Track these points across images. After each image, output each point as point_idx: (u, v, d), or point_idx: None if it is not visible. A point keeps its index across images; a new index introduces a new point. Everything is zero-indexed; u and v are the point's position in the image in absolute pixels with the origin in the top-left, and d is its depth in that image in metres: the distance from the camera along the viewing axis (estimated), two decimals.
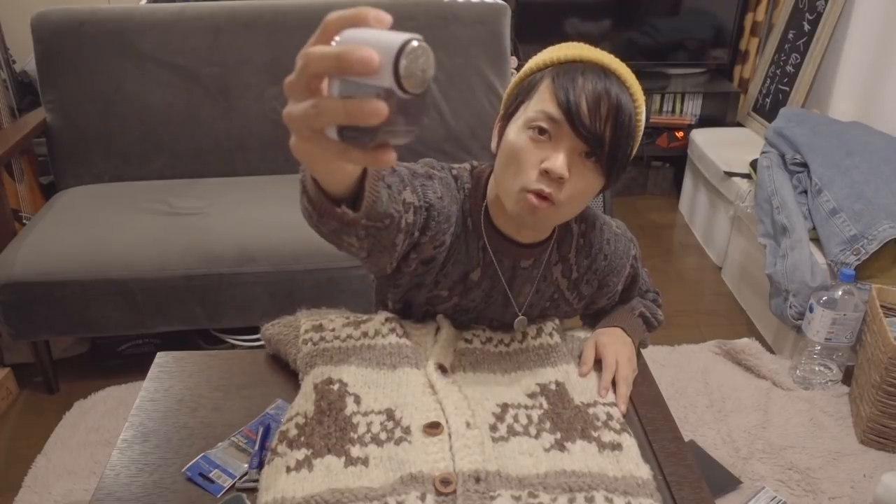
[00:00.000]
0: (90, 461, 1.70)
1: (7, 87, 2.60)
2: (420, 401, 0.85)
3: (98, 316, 1.82)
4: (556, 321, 1.02)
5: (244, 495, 0.77)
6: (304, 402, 0.84)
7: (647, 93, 2.98)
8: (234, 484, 0.80)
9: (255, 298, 1.85)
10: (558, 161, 0.80)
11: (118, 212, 1.96)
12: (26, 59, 2.59)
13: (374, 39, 0.43)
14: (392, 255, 0.83)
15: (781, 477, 1.67)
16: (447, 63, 2.22)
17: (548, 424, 0.84)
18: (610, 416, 0.86)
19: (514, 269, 0.97)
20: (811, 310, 1.91)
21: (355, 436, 0.80)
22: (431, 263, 0.93)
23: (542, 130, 0.82)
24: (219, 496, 0.78)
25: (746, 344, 2.13)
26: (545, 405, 0.87)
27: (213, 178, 2.21)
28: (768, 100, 2.87)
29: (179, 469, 0.81)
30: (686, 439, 1.46)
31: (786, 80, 2.77)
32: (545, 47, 0.89)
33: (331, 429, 0.80)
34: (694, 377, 2.01)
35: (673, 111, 3.14)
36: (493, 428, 0.83)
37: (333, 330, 0.95)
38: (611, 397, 0.91)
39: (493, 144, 0.91)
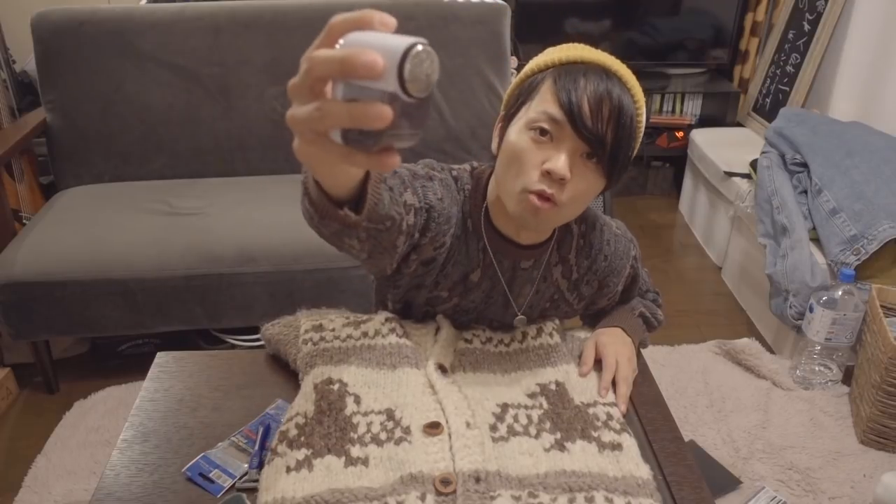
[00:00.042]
0: (90, 461, 1.70)
1: (7, 87, 2.60)
2: (420, 401, 0.85)
3: (98, 316, 1.82)
4: (556, 321, 1.02)
5: (244, 495, 0.77)
6: (304, 402, 0.84)
7: (647, 93, 2.98)
8: (234, 484, 0.80)
9: (255, 298, 1.85)
10: (560, 162, 0.80)
11: (118, 212, 1.96)
12: (26, 59, 2.59)
13: (379, 43, 0.43)
14: (392, 256, 0.83)
15: (781, 477, 1.67)
16: (447, 63, 2.22)
17: (548, 424, 0.84)
18: (610, 416, 0.86)
19: (514, 270, 0.97)
20: (811, 310, 1.91)
21: (355, 436, 0.80)
22: (431, 264, 0.93)
23: (543, 131, 0.82)
24: (219, 496, 0.78)
25: (746, 344, 2.13)
26: (545, 405, 0.87)
27: (213, 178, 2.21)
28: (768, 100, 2.87)
29: (179, 469, 0.81)
30: (686, 439, 1.46)
31: (786, 80, 2.77)
32: (545, 47, 0.89)
33: (331, 429, 0.80)
34: (694, 377, 2.01)
35: (673, 111, 3.14)
36: (493, 428, 0.83)
37: (333, 330, 0.95)
38: (611, 397, 0.91)
39: (494, 145, 0.91)
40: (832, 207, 1.96)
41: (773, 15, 2.96)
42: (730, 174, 2.49)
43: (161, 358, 1.01)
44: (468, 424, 0.81)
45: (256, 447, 0.84)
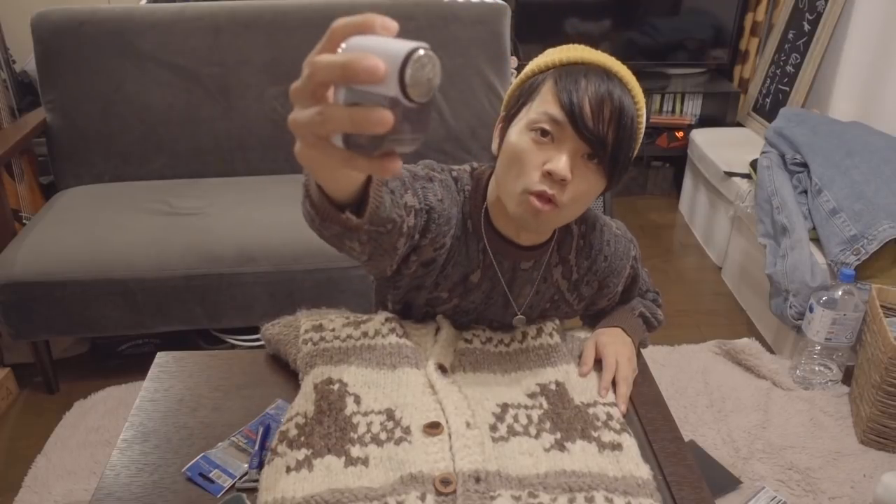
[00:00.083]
0: (90, 461, 1.70)
1: (7, 87, 2.60)
2: (420, 401, 0.85)
3: (98, 316, 1.82)
4: (556, 321, 1.02)
5: (244, 495, 0.77)
6: (304, 402, 0.84)
7: (647, 93, 2.98)
8: (234, 484, 0.80)
9: (255, 298, 1.85)
10: (561, 163, 0.80)
11: (118, 212, 1.96)
12: (26, 59, 2.59)
13: (381, 47, 0.43)
14: (392, 258, 0.83)
15: (781, 477, 1.67)
16: (447, 63, 2.22)
17: (548, 424, 0.84)
18: (610, 416, 0.87)
19: (514, 271, 0.97)
20: (811, 310, 1.91)
21: (355, 436, 0.80)
22: (431, 265, 0.93)
23: (544, 132, 0.82)
24: (219, 496, 0.78)
25: (746, 344, 2.13)
26: (545, 405, 0.87)
27: (213, 178, 2.21)
28: (768, 100, 2.87)
29: (179, 469, 0.81)
30: (686, 439, 1.46)
31: (786, 80, 2.77)
32: (545, 47, 0.89)
33: (331, 429, 0.80)
34: (694, 377, 2.01)
35: (673, 111, 3.14)
36: (493, 428, 0.83)
37: (333, 330, 0.95)
38: (611, 397, 0.91)
39: (494, 146, 0.91)
40: (832, 207, 1.96)
41: (773, 15, 2.96)
42: (730, 174, 2.49)
43: (161, 358, 1.01)
44: (468, 424, 0.81)
45: (256, 447, 0.84)
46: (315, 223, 0.68)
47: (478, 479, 0.74)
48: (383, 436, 0.80)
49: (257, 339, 1.97)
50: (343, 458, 0.77)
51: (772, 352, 2.15)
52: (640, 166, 3.21)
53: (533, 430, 0.83)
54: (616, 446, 0.82)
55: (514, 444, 0.81)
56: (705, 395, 1.94)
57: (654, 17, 3.05)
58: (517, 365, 0.95)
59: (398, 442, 0.79)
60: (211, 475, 0.80)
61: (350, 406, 0.83)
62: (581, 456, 0.80)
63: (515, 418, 0.85)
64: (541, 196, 0.82)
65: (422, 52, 0.43)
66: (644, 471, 0.79)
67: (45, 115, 2.15)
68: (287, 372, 0.96)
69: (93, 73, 2.12)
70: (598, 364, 0.95)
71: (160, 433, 0.87)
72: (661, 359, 2.09)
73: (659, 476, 0.82)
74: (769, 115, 2.79)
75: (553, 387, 0.90)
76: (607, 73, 0.82)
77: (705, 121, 3.11)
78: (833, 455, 1.74)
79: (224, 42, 2.15)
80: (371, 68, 0.41)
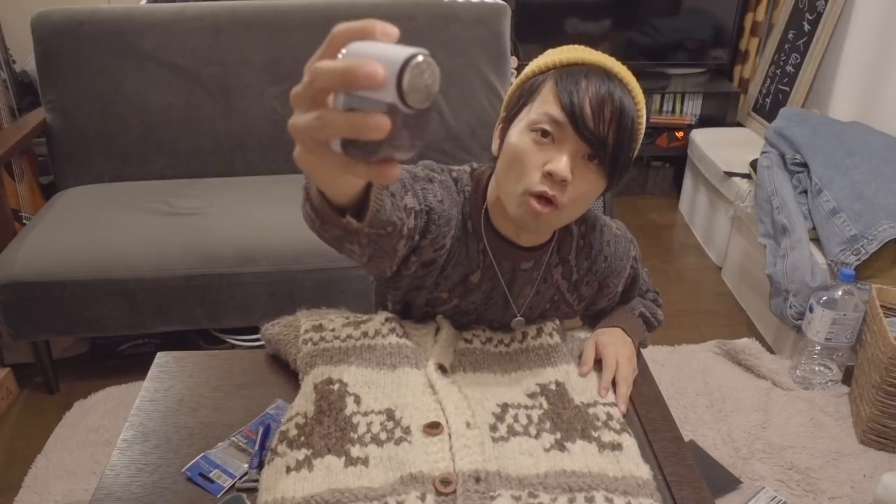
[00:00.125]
0: (90, 461, 1.70)
1: (7, 87, 2.60)
2: (420, 401, 0.85)
3: (98, 316, 1.82)
4: (556, 321, 1.02)
5: (244, 495, 0.77)
6: (304, 402, 0.84)
7: (647, 93, 2.98)
8: (234, 484, 0.80)
9: (255, 298, 1.85)
10: (561, 163, 0.80)
11: (118, 212, 1.96)
12: (26, 59, 2.59)
13: (380, 53, 0.43)
14: (393, 259, 0.83)
15: (781, 477, 1.67)
16: (447, 63, 2.22)
17: (548, 424, 0.84)
18: (610, 416, 0.87)
19: (514, 272, 0.97)
20: (811, 310, 1.91)
21: (355, 436, 0.80)
22: (431, 266, 0.93)
23: (545, 133, 0.82)
24: (219, 496, 0.78)
25: (746, 344, 2.13)
26: (545, 405, 0.87)
27: (213, 178, 2.21)
28: (768, 100, 2.87)
29: (179, 469, 0.81)
30: (686, 439, 1.46)
31: (786, 80, 2.77)
32: (545, 47, 0.89)
33: (331, 429, 0.80)
34: (694, 377, 2.01)
35: (673, 111, 3.14)
36: (493, 428, 0.83)
37: (333, 330, 0.95)
38: (611, 397, 0.91)
39: (494, 147, 0.91)
40: (832, 207, 1.96)
41: (773, 15, 2.96)
42: (730, 174, 2.49)
43: (161, 358, 1.01)
44: (468, 424, 0.81)
45: (256, 447, 0.84)
46: (315, 226, 0.68)
47: (478, 479, 0.74)
48: (383, 436, 0.80)
49: (257, 339, 1.97)
50: (343, 458, 0.77)
51: (772, 352, 2.15)
52: (640, 166, 3.21)
53: (533, 430, 0.83)
54: (616, 446, 0.82)
55: (514, 444, 0.81)
56: (705, 395, 1.94)
57: (654, 17, 3.05)
58: (517, 365, 0.95)
59: (398, 442, 0.79)
60: (211, 475, 0.80)
61: (350, 406, 0.83)
62: (581, 456, 0.80)
63: (515, 418, 0.85)
64: (541, 197, 0.82)
65: (420, 58, 0.43)
66: (644, 471, 0.79)
67: (45, 115, 2.15)
68: (287, 372, 0.96)
69: (93, 73, 2.12)
70: (599, 364, 0.95)
71: (160, 433, 0.87)
72: (661, 359, 2.09)
73: (659, 476, 0.82)
74: (769, 115, 2.79)
75: (553, 387, 0.90)
76: (608, 74, 0.82)
77: (705, 121, 3.11)
78: (833, 455, 1.74)
79: (224, 42, 2.15)
80: (370, 74, 0.42)
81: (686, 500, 0.79)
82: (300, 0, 2.18)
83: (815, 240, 2.01)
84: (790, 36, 2.78)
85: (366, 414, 0.83)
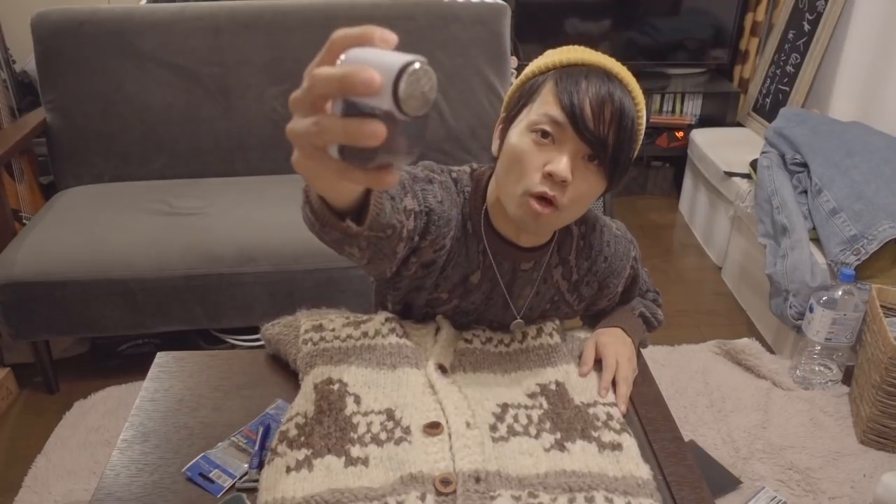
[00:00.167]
0: (90, 461, 1.70)
1: (7, 87, 2.60)
2: (420, 401, 0.85)
3: (98, 316, 1.82)
4: (556, 321, 1.02)
5: (244, 495, 0.77)
6: (304, 402, 0.84)
7: (647, 93, 2.98)
8: (234, 484, 0.80)
9: (255, 298, 1.85)
10: (561, 164, 0.80)
11: (118, 212, 1.96)
12: (26, 59, 2.59)
13: (378, 60, 0.43)
14: (392, 261, 0.83)
15: (781, 477, 1.67)
16: (447, 63, 2.22)
17: (548, 424, 0.84)
18: (610, 416, 0.87)
19: (514, 272, 0.97)
20: (811, 310, 1.91)
21: (355, 436, 0.80)
22: (431, 267, 0.93)
23: (545, 134, 0.82)
24: (219, 496, 0.78)
25: (746, 344, 2.13)
26: (545, 405, 0.87)
27: (213, 178, 2.21)
28: (768, 100, 2.87)
29: (179, 469, 0.81)
30: (686, 439, 1.46)
31: (786, 80, 2.77)
32: (545, 47, 0.89)
33: (331, 429, 0.80)
34: (694, 377, 2.01)
35: (673, 111, 3.14)
36: (493, 428, 0.83)
37: (333, 330, 0.95)
38: (611, 397, 0.91)
39: (494, 147, 0.91)
40: (832, 207, 1.96)
41: (773, 15, 2.96)
42: (730, 174, 2.49)
43: (161, 358, 1.01)
44: (468, 424, 0.81)
45: (256, 447, 0.84)
46: (315, 228, 0.69)
47: (478, 479, 0.74)
48: (383, 436, 0.80)
49: (257, 339, 1.97)
50: (343, 458, 0.77)
51: (772, 352, 2.15)
52: (640, 166, 3.21)
53: (533, 430, 0.83)
54: (616, 446, 0.82)
55: (514, 444, 0.81)
56: (705, 395, 1.94)
57: (654, 17, 3.05)
58: (517, 365, 0.95)
59: (398, 442, 0.79)
60: (211, 475, 0.80)
61: (350, 406, 0.83)
62: (581, 456, 0.80)
63: (515, 418, 0.85)
64: (541, 198, 0.82)
65: (417, 65, 0.43)
66: (644, 471, 0.79)
67: (45, 115, 2.15)
68: (287, 372, 0.96)
69: (93, 73, 2.12)
70: (599, 364, 0.95)
71: (160, 433, 0.87)
72: (661, 359, 2.09)
73: (659, 476, 0.82)
74: (769, 115, 2.79)
75: (553, 387, 0.90)
76: (608, 75, 0.82)
77: (705, 121, 3.11)
78: (833, 455, 1.74)
79: (224, 42, 2.15)
80: (367, 81, 0.42)
81: (686, 500, 0.79)
82: (300, 0, 2.18)
83: (815, 240, 2.01)
84: (790, 36, 2.78)
85: (366, 414, 0.83)
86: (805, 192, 2.12)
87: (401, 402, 0.84)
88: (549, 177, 0.81)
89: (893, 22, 2.30)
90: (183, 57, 2.15)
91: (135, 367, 1.91)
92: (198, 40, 2.15)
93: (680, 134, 3.07)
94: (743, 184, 2.42)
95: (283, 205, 1.95)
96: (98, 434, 1.79)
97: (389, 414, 0.83)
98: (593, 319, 1.09)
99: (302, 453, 0.77)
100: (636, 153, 0.86)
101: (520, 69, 0.91)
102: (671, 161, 3.22)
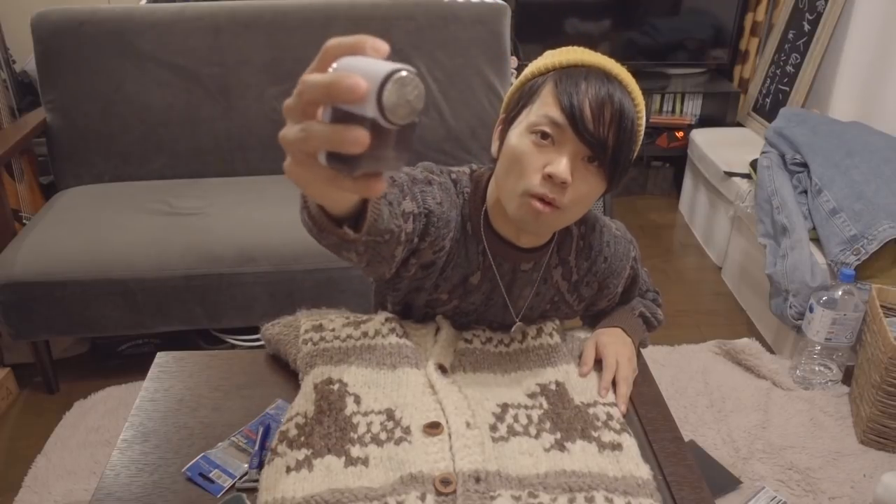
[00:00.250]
0: (90, 461, 1.70)
1: (7, 87, 2.60)
2: (420, 401, 0.85)
3: (98, 316, 1.82)
4: (556, 321, 1.02)
5: (244, 495, 0.77)
6: (304, 402, 0.84)
7: (647, 93, 2.98)
8: (234, 484, 0.80)
9: (255, 298, 1.85)
10: (561, 165, 0.80)
11: (118, 212, 1.96)
12: (26, 59, 2.59)
13: (366, 68, 0.44)
14: (391, 264, 0.83)
15: (781, 477, 1.67)
16: (447, 63, 2.22)
17: (548, 424, 0.84)
18: (610, 416, 0.87)
19: (513, 273, 0.97)
20: (811, 310, 1.91)
21: (355, 436, 0.80)
22: (431, 268, 0.93)
23: (544, 135, 0.82)
24: (219, 496, 0.78)
25: (746, 344, 2.13)
26: (545, 405, 0.87)
27: (213, 178, 2.21)
28: (768, 100, 2.87)
29: (179, 469, 0.81)
30: (686, 439, 1.46)
31: (786, 80, 2.77)
32: (545, 47, 0.89)
33: (331, 429, 0.80)
34: (694, 377, 2.01)
35: (673, 111, 3.14)
36: (493, 428, 0.83)
37: (333, 330, 0.95)
38: (611, 397, 0.91)
39: (494, 148, 0.91)
40: (832, 207, 1.96)
41: (773, 15, 2.96)
42: (730, 174, 2.49)
43: (161, 358, 1.01)
44: (468, 424, 0.81)
45: (256, 447, 0.84)
46: (313, 233, 0.69)
47: (478, 479, 0.74)
48: (383, 436, 0.80)
49: (257, 339, 1.97)
50: (343, 458, 0.77)
51: (772, 352, 2.15)
52: (640, 166, 3.21)
53: (533, 430, 0.83)
54: (616, 446, 0.82)
55: (514, 444, 0.81)
56: (705, 395, 1.94)
57: (654, 17, 3.05)
58: (517, 365, 0.95)
59: (398, 442, 0.79)
60: (211, 475, 0.80)
61: (350, 406, 0.83)
62: (581, 456, 0.80)
63: (515, 418, 0.85)
64: (542, 199, 0.82)
65: (404, 73, 0.43)
66: (644, 471, 0.79)
67: (45, 115, 2.14)
68: (287, 372, 0.96)
69: (93, 73, 2.12)
70: (599, 364, 0.95)
71: (160, 433, 0.87)
72: (661, 359, 2.09)
73: (659, 476, 0.82)
74: (769, 115, 2.79)
75: (553, 387, 0.90)
76: (607, 76, 0.82)
77: (705, 121, 3.11)
78: (833, 455, 1.74)
79: (224, 42, 2.15)
80: (351, 87, 0.42)
81: (686, 500, 0.79)
82: (300, 0, 2.18)
83: (815, 240, 2.01)
84: (790, 36, 2.78)
85: (366, 414, 0.83)
86: (805, 192, 2.12)
87: (401, 402, 0.85)
88: (548, 178, 0.81)
89: (893, 22, 2.30)
90: (183, 57, 2.15)
91: (135, 367, 1.91)
92: (198, 40, 2.14)
93: (680, 134, 3.07)
94: (743, 184, 2.42)
95: (283, 205, 1.95)
96: (98, 434, 1.79)
97: (389, 414, 0.83)
98: (593, 319, 1.09)
99: (302, 453, 0.77)
100: (636, 154, 0.86)
101: (520, 69, 0.91)
102: (671, 161, 3.22)
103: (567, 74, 0.82)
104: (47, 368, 1.94)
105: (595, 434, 0.83)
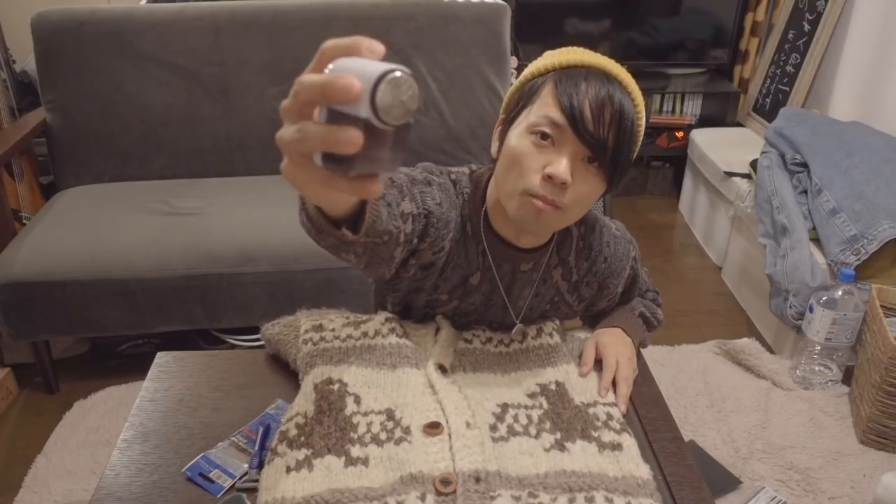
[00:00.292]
0: (90, 461, 1.70)
1: (7, 87, 2.60)
2: (420, 401, 0.85)
3: (98, 316, 1.82)
4: (556, 321, 1.02)
5: (244, 495, 0.77)
6: (304, 402, 0.84)
7: (647, 93, 2.99)
8: (234, 484, 0.80)
9: (255, 298, 1.85)
10: (561, 166, 0.80)
11: (118, 212, 1.96)
12: (26, 59, 2.59)
13: (361, 69, 0.44)
14: (390, 265, 0.83)
15: (781, 477, 1.67)
16: (447, 63, 2.22)
17: (548, 424, 0.84)
18: (610, 416, 0.87)
19: (513, 273, 0.97)
20: (811, 310, 1.91)
21: (355, 436, 0.80)
22: (430, 269, 0.93)
23: (544, 136, 0.82)
24: (219, 496, 0.78)
25: (746, 344, 2.13)
26: (545, 405, 0.87)
27: (213, 178, 2.21)
28: (768, 100, 2.87)
29: (179, 469, 0.81)
30: (686, 439, 1.46)
31: (786, 80, 2.77)
32: (545, 47, 0.89)
33: (331, 429, 0.80)
34: (694, 377, 2.01)
35: (673, 111, 3.14)
36: (493, 428, 0.83)
37: (333, 330, 0.95)
38: (611, 397, 0.91)
39: (494, 149, 0.91)
40: (832, 207, 1.96)
41: (773, 15, 2.96)
42: (730, 174, 2.49)
43: (161, 358, 1.01)
44: (468, 424, 0.81)
45: (256, 447, 0.84)
46: (312, 234, 0.69)
47: (478, 479, 0.74)
48: (383, 436, 0.80)
49: (257, 339, 1.97)
50: (343, 458, 0.77)
51: (772, 352, 2.15)
52: (640, 166, 3.21)
53: (533, 430, 0.83)
54: (616, 446, 0.82)
55: (514, 444, 0.81)
56: (705, 395, 1.94)
57: (654, 17, 3.05)
58: (517, 365, 0.95)
59: (398, 442, 0.79)
60: (211, 475, 0.80)
61: (350, 406, 0.83)
62: (581, 456, 0.80)
63: (515, 418, 0.85)
64: (542, 199, 0.82)
65: (398, 74, 0.43)
66: (644, 471, 0.79)
67: (45, 115, 2.14)
68: (287, 372, 0.96)
69: (93, 73, 2.12)
70: (599, 364, 0.96)
71: (160, 433, 0.87)
72: (661, 359, 2.09)
73: (659, 476, 0.82)
74: (769, 115, 2.79)
75: (553, 387, 0.90)
76: (607, 76, 0.82)
77: (705, 121, 3.11)
78: (833, 455, 1.74)
79: (224, 42, 2.15)
80: (345, 87, 0.42)
81: (686, 500, 0.79)
82: (300, 0, 2.18)
83: (815, 240, 2.01)
84: (790, 36, 2.78)
85: (366, 414, 0.83)
86: (805, 192, 2.12)
87: (401, 402, 0.85)
88: (548, 179, 0.81)
89: (893, 22, 2.30)
90: (183, 57, 2.15)
91: (135, 367, 1.91)
92: (198, 40, 2.14)
93: (680, 134, 3.07)
94: (743, 184, 2.42)
95: (283, 205, 1.95)
96: (98, 434, 1.79)
97: (389, 414, 0.83)
98: (593, 319, 1.09)
99: (302, 453, 0.77)
100: (636, 154, 0.86)
101: (520, 69, 0.91)
102: (671, 161, 3.22)
103: (567, 75, 0.82)
104: (47, 368, 1.94)
105: (595, 434, 0.83)
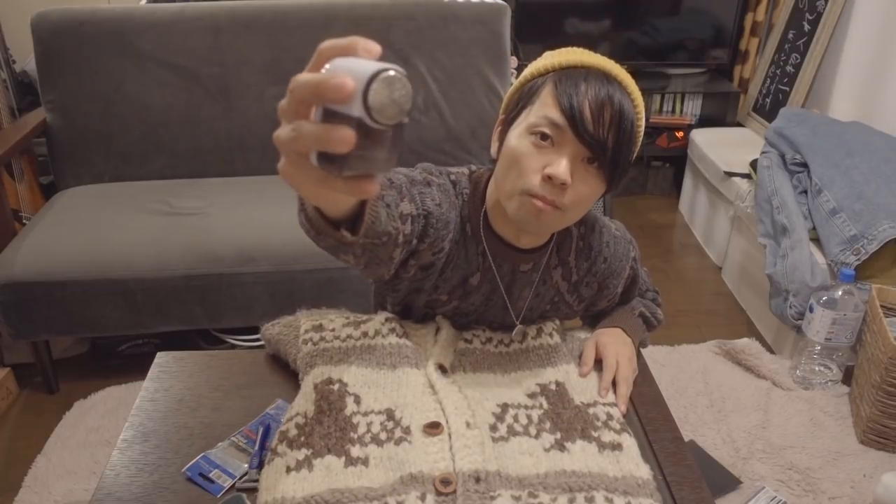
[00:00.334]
0: (90, 461, 1.70)
1: (7, 87, 2.60)
2: (420, 401, 0.85)
3: (98, 316, 1.82)
4: (557, 321, 1.02)
5: (244, 495, 0.77)
6: (304, 402, 0.84)
7: (647, 93, 2.99)
8: (234, 484, 0.80)
9: (255, 298, 1.85)
10: (561, 167, 0.80)
11: (118, 212, 1.96)
12: (26, 59, 2.59)
13: (356, 69, 0.44)
14: (389, 266, 0.83)
15: (781, 477, 1.67)
16: (447, 63, 2.22)
17: (548, 424, 0.84)
18: (610, 416, 0.87)
19: (513, 274, 0.97)
20: (811, 310, 1.91)
21: (355, 436, 0.80)
22: (430, 269, 0.93)
23: (544, 136, 0.82)
24: (219, 496, 0.78)
25: (746, 344, 2.13)
26: (545, 405, 0.87)
27: (213, 178, 2.21)
28: (768, 100, 2.87)
29: (179, 469, 0.81)
30: (686, 439, 1.46)
31: (786, 80, 2.77)
32: (545, 47, 0.89)
33: (331, 429, 0.80)
34: (694, 377, 2.01)
35: (673, 111, 3.14)
36: (493, 428, 0.83)
37: (333, 330, 0.95)
38: (611, 397, 0.91)
39: (493, 149, 0.91)
40: (832, 207, 1.96)
41: (773, 15, 2.96)
42: (730, 174, 2.49)
43: (161, 358, 1.01)
44: (468, 424, 0.81)
45: (256, 447, 0.84)
46: (311, 234, 0.69)
47: (478, 479, 0.74)
48: (383, 436, 0.80)
49: (257, 339, 1.97)
50: (343, 458, 0.77)
51: (772, 352, 2.15)
52: (640, 166, 3.21)
53: (533, 430, 0.83)
54: (616, 446, 0.82)
55: (514, 444, 0.81)
56: (705, 395, 1.94)
57: (654, 17, 3.05)
58: (517, 365, 0.95)
59: (398, 442, 0.79)
60: (211, 475, 0.80)
61: (350, 406, 0.83)
62: (581, 456, 0.80)
63: (515, 418, 0.85)
64: (542, 199, 0.82)
65: (391, 73, 0.43)
66: (644, 471, 0.79)
67: (45, 115, 2.14)
68: (287, 372, 0.96)
69: (93, 73, 2.12)
70: (599, 364, 0.96)
71: (160, 433, 0.87)
72: (661, 359, 2.09)
73: (659, 476, 0.82)
74: (769, 115, 2.79)
75: (553, 387, 0.90)
76: (607, 77, 0.82)
77: (705, 121, 3.11)
78: (833, 455, 1.74)
79: (224, 42, 2.15)
80: (338, 86, 0.42)
81: (686, 500, 0.79)
82: (300, 0, 2.18)
83: (815, 240, 2.01)
84: (790, 36, 2.78)
85: (366, 414, 0.83)
86: (805, 192, 2.12)
87: (401, 402, 0.85)
88: (548, 179, 0.81)
89: (893, 22, 2.30)
90: (183, 57, 2.15)
91: (135, 367, 1.91)
92: (198, 40, 2.14)
93: (680, 134, 3.07)
94: (743, 184, 2.42)
95: (283, 205, 1.95)
96: (98, 434, 1.79)
97: (389, 414, 0.83)
98: (593, 320, 1.09)
99: (302, 453, 0.77)
100: (635, 155, 0.86)
101: (520, 69, 0.91)
102: (671, 161, 3.22)
103: (567, 75, 0.82)
104: (47, 368, 1.94)
105: (595, 434, 0.83)
